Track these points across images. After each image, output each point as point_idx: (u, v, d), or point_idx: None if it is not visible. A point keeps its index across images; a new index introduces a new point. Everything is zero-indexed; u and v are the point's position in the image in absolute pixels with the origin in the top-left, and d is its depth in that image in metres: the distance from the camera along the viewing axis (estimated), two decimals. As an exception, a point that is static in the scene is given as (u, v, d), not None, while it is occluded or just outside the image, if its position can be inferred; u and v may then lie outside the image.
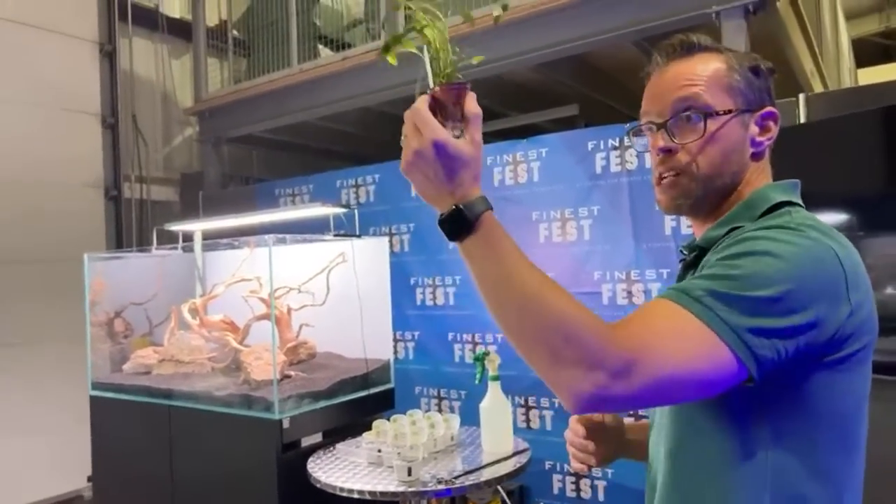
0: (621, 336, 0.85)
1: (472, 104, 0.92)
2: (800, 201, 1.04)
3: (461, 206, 0.90)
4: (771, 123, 1.07)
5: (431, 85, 0.91)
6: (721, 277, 0.87)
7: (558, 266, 3.81)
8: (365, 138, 5.45)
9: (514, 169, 3.83)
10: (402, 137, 0.93)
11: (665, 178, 1.07)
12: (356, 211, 3.43)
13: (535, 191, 3.73)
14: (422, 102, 0.91)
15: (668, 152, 1.06)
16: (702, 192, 1.05)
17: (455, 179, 0.90)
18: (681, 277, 1.11)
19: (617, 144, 3.45)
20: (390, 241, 4.14)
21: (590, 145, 3.55)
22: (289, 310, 3.10)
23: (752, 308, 0.84)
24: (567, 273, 3.65)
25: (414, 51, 0.92)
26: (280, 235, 2.77)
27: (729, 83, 1.05)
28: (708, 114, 1.03)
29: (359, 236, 3.19)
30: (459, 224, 0.90)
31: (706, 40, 1.09)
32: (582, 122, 4.66)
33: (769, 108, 1.07)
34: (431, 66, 0.90)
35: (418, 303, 4.19)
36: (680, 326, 0.84)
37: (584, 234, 3.56)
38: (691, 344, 0.83)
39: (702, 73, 1.05)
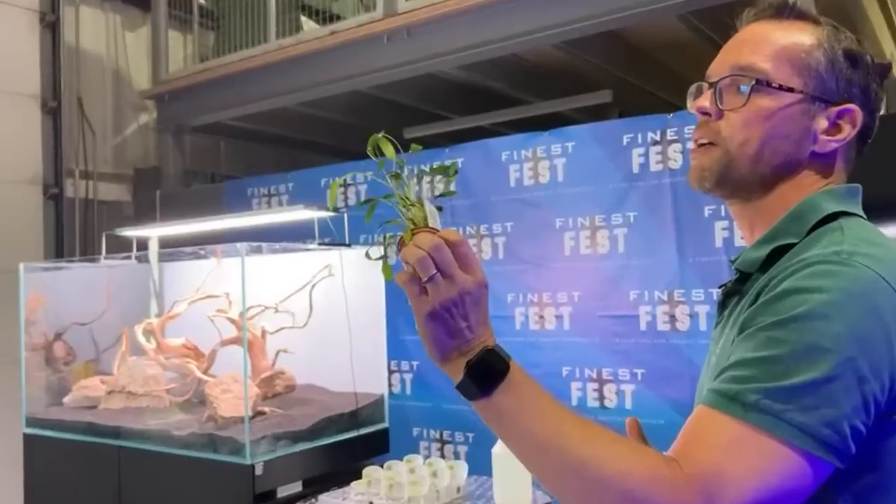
0: (688, 476, 0.84)
1: (453, 234, 0.98)
2: (858, 210, 1.03)
3: (493, 349, 0.95)
4: (847, 125, 1.05)
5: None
6: (768, 363, 0.86)
7: (586, 284, 3.81)
8: (356, 128, 5.51)
9: (535, 166, 3.87)
10: (407, 285, 0.96)
11: (699, 144, 1.09)
12: (345, 215, 3.46)
13: (560, 193, 3.78)
14: (433, 239, 0.96)
15: (707, 115, 1.08)
16: (732, 173, 1.06)
17: (482, 324, 0.96)
18: (721, 306, 1.11)
19: (658, 138, 3.48)
20: (385, 251, 4.17)
21: (625, 139, 3.58)
22: (263, 333, 3.11)
23: (814, 397, 0.84)
24: (597, 292, 3.68)
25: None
26: (254, 244, 2.79)
27: (805, 61, 1.04)
28: (759, 82, 1.03)
29: (348, 245, 3.21)
30: (491, 372, 0.93)
31: (806, 9, 1.09)
32: (616, 111, 4.71)
33: (850, 106, 1.04)
34: (407, 215, 1.00)
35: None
36: (746, 445, 0.84)
37: (618, 245, 3.59)
38: (766, 462, 0.83)
39: (777, 40, 1.05)
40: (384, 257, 1.08)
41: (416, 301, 0.98)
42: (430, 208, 1.01)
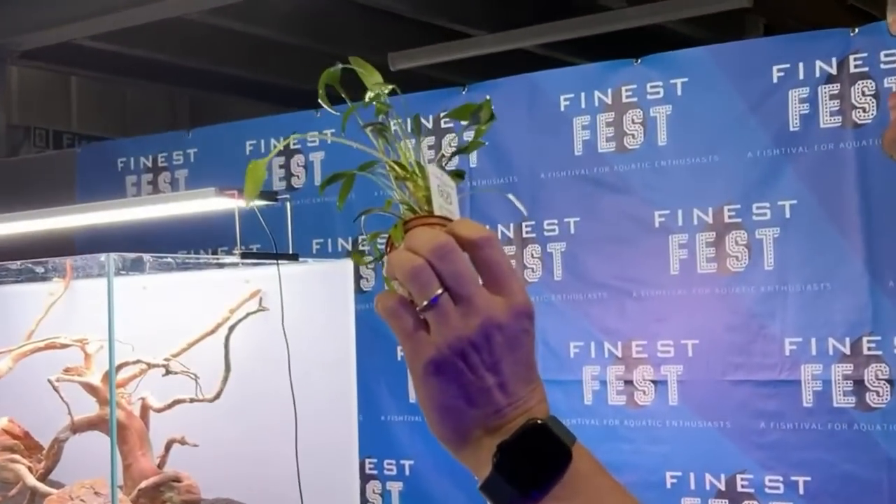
0: None
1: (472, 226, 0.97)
2: None
3: (544, 424, 0.94)
4: None
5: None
6: None
7: (707, 326, 3.77)
8: (308, 54, 5.54)
9: (617, 119, 3.89)
10: (394, 317, 0.95)
11: None
12: (288, 203, 3.48)
13: (662, 166, 3.80)
14: (436, 236, 0.95)
15: None
16: None
17: (524, 381, 0.96)
18: None
19: (833, 71, 3.50)
20: (357, 269, 4.18)
21: (776, 73, 3.60)
22: (146, 409, 3.14)
23: None
24: (727, 341, 3.67)
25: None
26: (130, 255, 2.81)
27: None
28: None
29: (294, 257, 3.24)
30: (541, 464, 0.93)
31: None
32: (759, 24, 4.72)
33: None
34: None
35: (413, 398, 4.28)
36: None
37: (765, 257, 3.61)
38: None
39: None
40: (376, 260, 1.08)
41: (410, 343, 0.95)
42: (436, 181, 1.00)
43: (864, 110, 3.46)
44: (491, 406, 0.94)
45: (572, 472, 0.93)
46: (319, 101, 1.07)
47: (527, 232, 4.03)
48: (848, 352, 3.44)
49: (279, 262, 3.14)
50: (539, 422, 0.93)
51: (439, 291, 0.93)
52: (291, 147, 4.58)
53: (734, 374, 3.62)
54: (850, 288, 3.46)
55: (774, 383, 3.53)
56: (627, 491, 0.95)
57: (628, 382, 3.81)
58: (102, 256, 2.65)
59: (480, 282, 0.95)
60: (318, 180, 4.51)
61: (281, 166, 4.62)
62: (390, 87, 1.06)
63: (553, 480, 0.92)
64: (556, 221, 3.99)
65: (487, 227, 0.97)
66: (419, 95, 4.34)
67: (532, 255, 4.03)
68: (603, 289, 3.88)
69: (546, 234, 4.00)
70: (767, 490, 3.54)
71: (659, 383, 3.76)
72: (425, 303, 0.93)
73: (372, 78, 1.08)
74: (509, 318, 0.94)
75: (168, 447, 3.16)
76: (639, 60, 3.85)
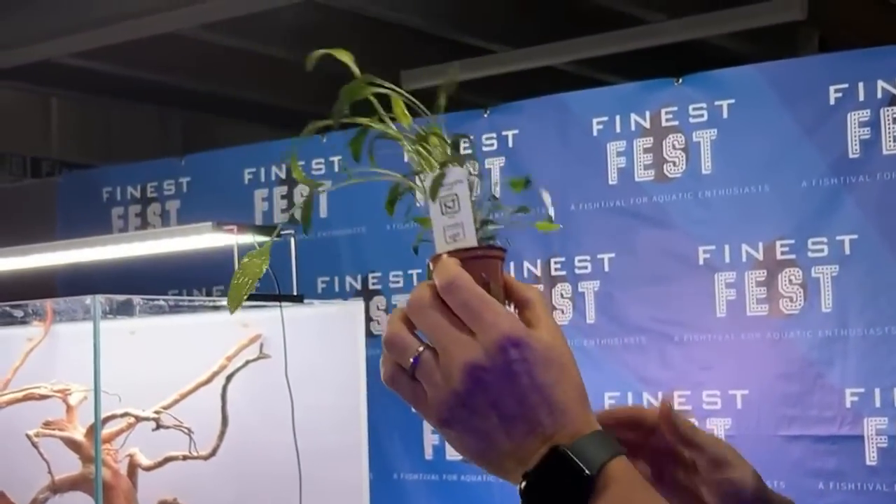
0: None
1: (519, 284, 1.09)
2: None
3: (565, 452, 1.01)
4: None
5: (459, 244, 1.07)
6: None
7: (758, 374, 3.76)
8: (309, 72, 5.56)
9: (656, 145, 3.91)
10: (396, 383, 1.07)
11: None
12: (292, 238, 3.51)
13: (705, 196, 3.82)
14: (453, 266, 1.05)
15: None
16: None
17: (555, 405, 1.04)
18: None
19: (896, 91, 3.62)
20: (367, 310, 4.21)
21: (834, 93, 3.61)
22: (134, 466, 3.15)
23: None
24: (780, 391, 3.67)
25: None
26: (118, 297, 2.83)
27: None
28: None
29: (298, 298, 3.26)
30: (568, 488, 1.00)
31: None
32: (814, 37, 4.73)
33: None
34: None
35: (430, 455, 4.30)
36: None
37: (822, 298, 3.61)
38: None
39: None
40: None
41: (415, 407, 1.06)
42: (440, 219, 1.06)
43: (936, 136, 3.48)
44: (510, 441, 1.03)
45: (613, 472, 1.00)
46: (338, 121, 1.09)
47: (556, 269, 4.04)
48: (924, 408, 3.43)
49: (282, 304, 3.17)
50: (560, 449, 1.00)
51: (418, 350, 1.03)
52: (290, 172, 4.61)
53: (789, 429, 3.61)
54: (917, 331, 3.46)
55: (834, 439, 3.52)
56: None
57: (670, 438, 3.81)
58: (88, 299, 2.68)
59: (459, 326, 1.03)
60: (324, 212, 4.53)
61: (283, 196, 4.65)
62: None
63: (603, 477, 0.99)
64: (588, 258, 4.00)
65: (455, 275, 1.03)
66: (436, 118, 4.36)
67: (562, 294, 4.04)
68: (641, 333, 3.89)
69: (577, 271, 4.01)
70: (828, 559, 3.53)
71: (705, 438, 3.76)
72: (408, 368, 1.03)
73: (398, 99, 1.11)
74: (486, 357, 1.01)
75: (158, 510, 3.16)
76: (680, 80, 3.87)
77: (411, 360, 1.03)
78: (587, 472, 0.99)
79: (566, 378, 1.04)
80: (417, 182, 1.08)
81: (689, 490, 1.30)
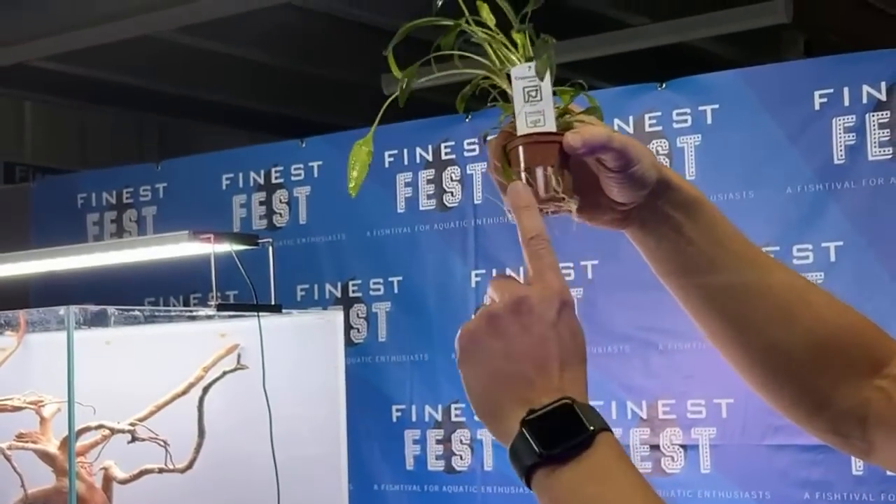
0: None
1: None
2: None
3: (574, 404, 1.14)
4: None
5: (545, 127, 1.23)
6: None
7: (738, 382, 3.93)
8: (289, 75, 5.56)
9: (641, 151, 3.95)
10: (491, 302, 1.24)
11: None
12: (270, 246, 3.50)
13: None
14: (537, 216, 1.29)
15: None
16: None
17: (572, 367, 1.19)
18: None
19: (883, 97, 3.52)
20: (347, 319, 4.23)
21: (818, 98, 3.61)
22: (109, 479, 3.14)
23: None
24: (755, 412, 3.66)
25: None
26: (92, 307, 2.83)
27: None
28: None
29: (276, 308, 3.25)
30: (567, 434, 1.13)
31: None
32: (799, 41, 4.74)
33: None
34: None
35: (411, 465, 4.28)
36: None
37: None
38: None
39: None
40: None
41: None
42: (521, 87, 1.23)
43: (919, 140, 3.48)
44: (526, 380, 1.16)
45: (594, 456, 1.12)
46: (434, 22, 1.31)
47: (501, 277, 4.03)
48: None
49: (259, 313, 3.15)
50: (570, 402, 1.13)
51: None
52: (273, 181, 4.59)
53: (774, 438, 3.61)
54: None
55: (820, 448, 3.51)
56: (654, 491, 1.12)
57: (654, 447, 3.81)
58: (62, 309, 2.65)
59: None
60: (303, 218, 4.52)
61: (262, 203, 4.63)
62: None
63: (572, 451, 1.11)
64: (571, 265, 4.00)
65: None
66: (417, 123, 4.36)
67: (543, 302, 4.03)
68: (625, 341, 3.89)
69: (559, 278, 4.00)
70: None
71: (689, 448, 3.76)
72: None
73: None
74: (538, 303, 1.21)
75: (132, 522, 3.15)
76: (664, 84, 3.88)
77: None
78: (591, 427, 1.11)
79: (583, 348, 1.18)
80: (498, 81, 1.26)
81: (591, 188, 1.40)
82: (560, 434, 1.12)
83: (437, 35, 1.32)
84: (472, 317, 1.22)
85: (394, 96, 1.34)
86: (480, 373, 1.19)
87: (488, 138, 1.28)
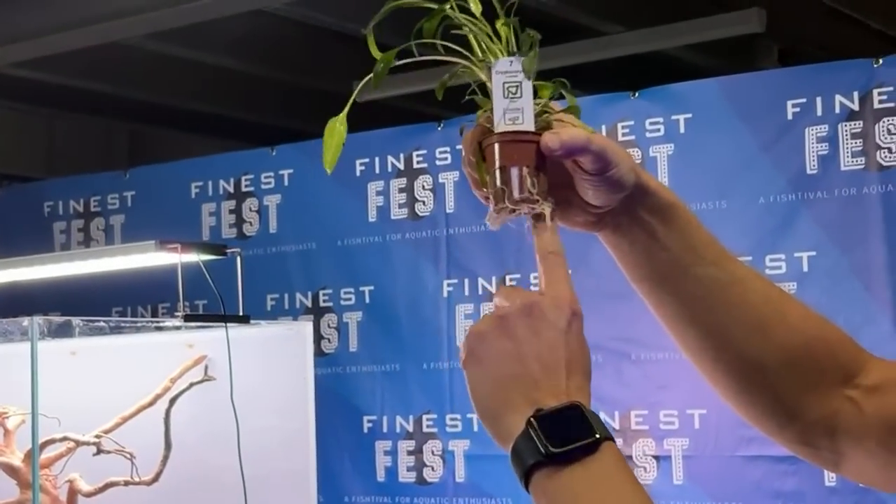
0: None
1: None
2: None
3: (585, 412, 1.15)
4: None
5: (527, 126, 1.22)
6: None
7: (711, 392, 3.93)
8: (261, 83, 5.55)
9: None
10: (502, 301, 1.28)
11: None
12: (238, 256, 3.48)
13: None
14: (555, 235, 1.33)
15: None
16: None
17: (581, 371, 1.22)
18: None
19: (855, 107, 3.53)
20: (318, 329, 4.24)
21: (791, 108, 3.62)
22: (74, 493, 3.12)
23: None
24: (727, 423, 3.67)
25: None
26: (57, 318, 2.84)
27: None
28: None
29: (245, 319, 3.23)
30: (574, 436, 1.13)
31: None
32: (773, 50, 4.75)
33: None
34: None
35: (382, 476, 4.27)
36: None
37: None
38: None
39: None
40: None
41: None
42: (501, 82, 1.22)
43: (891, 150, 3.49)
44: (534, 381, 1.19)
45: (598, 463, 1.13)
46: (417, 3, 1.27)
47: (511, 283, 4.02)
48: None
49: (227, 324, 3.14)
50: (579, 406, 1.15)
51: None
52: (243, 189, 4.57)
53: (747, 449, 3.62)
54: (876, 349, 3.44)
55: (793, 459, 3.50)
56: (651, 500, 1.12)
57: (627, 458, 3.80)
58: (25, 320, 2.63)
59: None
60: (273, 227, 4.50)
61: (231, 211, 4.61)
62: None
63: (577, 453, 1.12)
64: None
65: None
66: (389, 131, 4.35)
67: (517, 312, 4.02)
68: (597, 351, 3.84)
69: (532, 287, 3.99)
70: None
71: (662, 459, 3.76)
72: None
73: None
74: (550, 309, 1.29)
75: (97, 536, 3.13)
76: (636, 93, 3.88)
77: None
78: (598, 434, 1.12)
79: (589, 362, 1.24)
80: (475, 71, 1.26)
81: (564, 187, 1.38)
82: (567, 435, 1.12)
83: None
84: (481, 319, 1.24)
85: (368, 77, 1.36)
86: (487, 372, 1.20)
87: (464, 132, 1.28)
